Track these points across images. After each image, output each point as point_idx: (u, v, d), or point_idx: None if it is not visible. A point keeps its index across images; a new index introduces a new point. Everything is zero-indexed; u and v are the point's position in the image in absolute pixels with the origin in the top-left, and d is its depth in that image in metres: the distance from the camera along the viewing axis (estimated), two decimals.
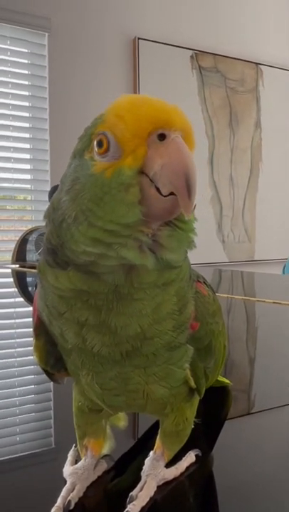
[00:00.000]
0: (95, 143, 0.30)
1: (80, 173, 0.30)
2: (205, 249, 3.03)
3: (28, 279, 1.76)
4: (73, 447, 0.42)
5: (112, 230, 0.28)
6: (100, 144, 0.29)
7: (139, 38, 2.85)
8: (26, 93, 2.64)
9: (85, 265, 0.30)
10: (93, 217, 0.29)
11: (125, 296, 0.30)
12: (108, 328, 0.31)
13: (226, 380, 0.56)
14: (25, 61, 2.62)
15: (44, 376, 0.40)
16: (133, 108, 0.29)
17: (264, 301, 1.22)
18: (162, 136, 0.28)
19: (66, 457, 0.41)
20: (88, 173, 0.30)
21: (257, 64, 3.33)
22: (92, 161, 0.30)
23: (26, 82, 2.64)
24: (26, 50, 2.61)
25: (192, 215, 0.30)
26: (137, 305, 0.31)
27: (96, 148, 0.30)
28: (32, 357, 0.38)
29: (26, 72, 2.63)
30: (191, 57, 3.06)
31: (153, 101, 0.30)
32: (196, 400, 0.40)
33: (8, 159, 2.61)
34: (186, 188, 0.28)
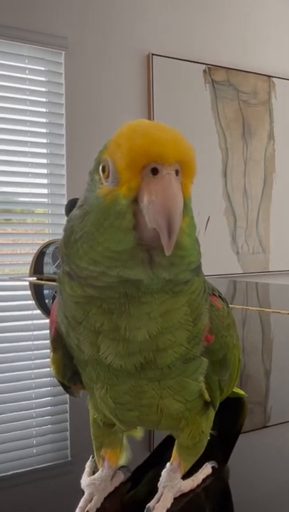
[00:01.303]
0: (100, 168, 0.31)
1: (90, 192, 0.33)
2: (219, 261, 3.02)
3: (45, 292, 1.79)
4: (90, 458, 0.42)
5: (110, 256, 0.30)
6: (103, 170, 0.31)
7: (153, 54, 2.90)
8: (44, 110, 2.71)
9: (88, 278, 0.31)
10: (94, 241, 0.31)
11: (134, 299, 0.31)
12: (120, 334, 0.32)
13: (241, 391, 0.56)
14: (43, 79, 2.69)
15: (60, 388, 0.41)
16: (130, 139, 0.29)
17: (279, 312, 1.21)
18: (155, 171, 0.29)
19: (82, 469, 0.41)
20: (95, 195, 0.32)
21: (269, 77, 3.35)
22: (99, 183, 0.32)
23: (43, 99, 2.70)
24: (44, 68, 2.69)
25: (189, 241, 0.32)
26: (145, 308, 0.31)
27: (100, 173, 0.31)
28: (49, 369, 0.39)
29: (44, 89, 2.70)
30: (204, 71, 3.10)
31: (152, 131, 0.30)
32: (212, 412, 0.40)
33: (26, 174, 2.67)
34: (167, 229, 0.28)
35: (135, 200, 0.29)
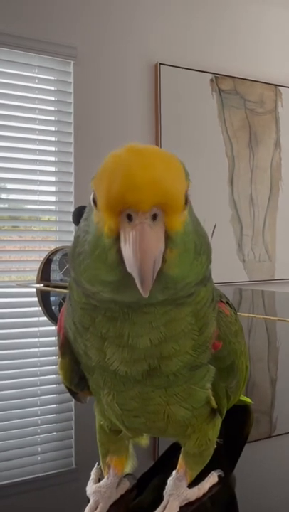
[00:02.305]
0: (91, 196, 0.31)
1: (89, 210, 0.32)
2: (225, 269, 3.01)
3: (52, 299, 1.79)
4: (96, 465, 0.42)
5: (101, 282, 0.30)
6: (93, 198, 0.30)
7: (160, 64, 2.93)
8: (52, 118, 2.74)
9: (87, 292, 0.32)
10: (88, 264, 0.30)
11: (136, 309, 0.31)
12: (124, 340, 0.32)
13: (248, 399, 0.56)
14: (52, 88, 2.73)
15: (66, 395, 0.41)
16: (109, 180, 0.28)
17: (285, 321, 1.20)
18: (131, 217, 0.28)
19: (87, 477, 0.41)
20: (91, 216, 0.31)
21: (276, 86, 3.36)
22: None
23: (52, 108, 2.74)
24: (53, 78, 2.72)
25: (180, 270, 0.30)
26: (147, 317, 0.32)
27: (91, 203, 0.31)
28: (55, 376, 0.39)
29: (52, 98, 2.73)
30: (211, 80, 3.12)
31: (132, 171, 0.28)
32: (219, 420, 0.40)
33: (34, 182, 2.69)
34: (139, 278, 0.28)
35: (117, 237, 0.29)
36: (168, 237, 0.29)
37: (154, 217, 0.28)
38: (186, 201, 0.31)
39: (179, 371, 0.34)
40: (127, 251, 0.28)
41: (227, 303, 0.39)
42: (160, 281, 0.29)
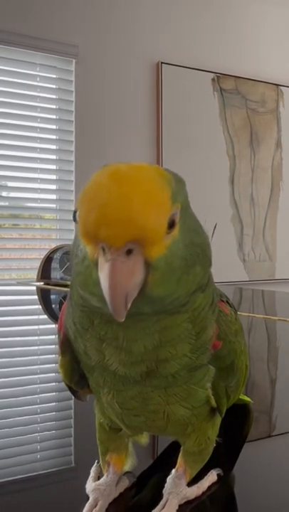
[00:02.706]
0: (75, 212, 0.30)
1: None
2: (226, 268, 3.01)
3: (52, 297, 1.79)
4: (96, 463, 0.42)
5: (89, 293, 0.30)
6: (75, 217, 0.30)
7: (162, 63, 2.92)
8: (54, 117, 2.74)
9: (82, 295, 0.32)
10: (79, 269, 0.30)
11: (128, 315, 0.31)
12: (119, 343, 0.32)
13: (247, 398, 0.56)
14: (53, 86, 2.73)
15: (66, 394, 0.41)
16: (86, 210, 0.28)
17: (285, 320, 1.20)
18: (104, 250, 0.28)
19: (87, 475, 0.41)
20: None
21: (277, 85, 3.36)
22: None
23: (54, 107, 2.74)
24: (54, 76, 2.72)
25: (164, 289, 0.30)
26: (140, 323, 0.32)
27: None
28: (54, 374, 0.39)
29: (54, 96, 2.73)
30: (213, 79, 3.12)
31: (111, 202, 0.27)
32: (218, 419, 0.40)
33: (34, 180, 2.69)
34: (110, 308, 0.28)
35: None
36: (149, 265, 0.28)
37: (129, 251, 0.27)
38: (173, 224, 0.29)
39: (178, 373, 0.34)
40: (101, 281, 0.28)
41: (227, 302, 0.39)
42: (143, 299, 0.29)
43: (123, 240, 0.27)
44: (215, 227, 2.97)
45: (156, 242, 0.28)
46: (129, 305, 0.28)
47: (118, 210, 0.27)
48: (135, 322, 0.31)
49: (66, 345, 0.37)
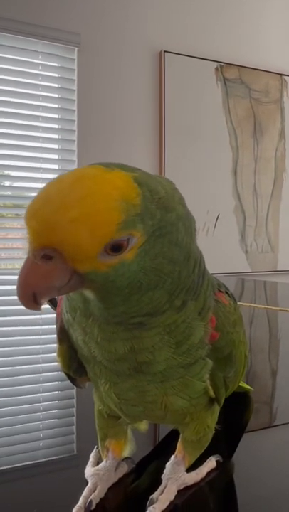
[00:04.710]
0: None
1: None
2: (228, 259, 3.00)
3: None
4: (95, 449, 0.43)
5: None
6: None
7: (165, 51, 2.89)
8: (56, 105, 2.72)
9: None
10: None
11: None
12: (95, 339, 0.33)
13: (248, 386, 0.56)
14: (56, 75, 2.70)
15: (68, 382, 0.42)
16: (32, 202, 0.29)
17: (287, 311, 1.21)
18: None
19: (87, 461, 0.41)
20: None
21: (281, 75, 3.32)
22: None
23: (56, 95, 2.71)
24: (57, 65, 2.69)
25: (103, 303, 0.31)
26: (109, 327, 0.32)
27: None
28: (57, 363, 0.40)
29: (56, 85, 2.71)
30: (216, 69, 3.08)
31: (38, 206, 0.28)
32: (217, 408, 0.40)
33: (37, 169, 2.68)
34: (19, 299, 0.29)
35: None
36: (81, 275, 0.28)
37: (48, 257, 0.27)
38: (120, 248, 0.28)
39: (167, 370, 0.33)
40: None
41: (226, 292, 0.39)
42: (90, 304, 0.31)
43: (41, 244, 0.27)
44: (217, 218, 2.96)
45: (81, 259, 0.27)
46: (42, 301, 0.29)
47: (47, 218, 0.27)
48: (105, 325, 0.32)
49: (63, 334, 0.37)
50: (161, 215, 0.30)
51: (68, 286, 0.29)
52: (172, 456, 0.40)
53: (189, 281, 0.33)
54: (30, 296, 0.28)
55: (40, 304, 0.29)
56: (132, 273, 0.29)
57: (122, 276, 0.29)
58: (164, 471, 0.39)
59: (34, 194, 0.30)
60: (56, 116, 2.73)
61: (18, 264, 2.75)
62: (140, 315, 0.31)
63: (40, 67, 2.64)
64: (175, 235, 0.31)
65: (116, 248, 0.28)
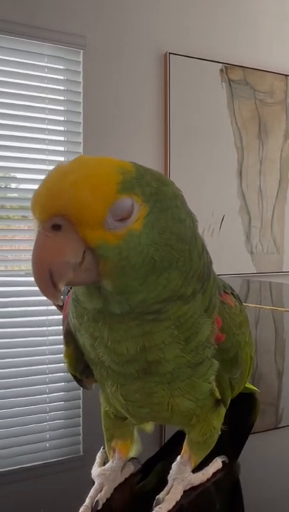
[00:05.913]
0: None
1: None
2: (233, 260, 2.99)
3: None
4: (101, 449, 0.43)
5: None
6: None
7: (170, 53, 2.89)
8: (61, 108, 2.73)
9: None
10: None
11: (108, 315, 0.32)
12: (105, 343, 0.33)
13: (254, 387, 0.56)
14: (61, 77, 2.72)
15: (74, 383, 0.42)
16: (37, 189, 0.30)
17: None
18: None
19: (94, 462, 0.42)
20: None
21: (286, 76, 3.31)
22: None
23: (61, 98, 2.73)
24: (62, 67, 2.71)
25: (126, 284, 0.30)
26: (121, 326, 0.32)
27: None
28: (63, 364, 0.40)
29: (62, 87, 2.72)
30: (221, 70, 3.08)
31: (47, 183, 0.29)
32: (223, 409, 0.40)
33: (43, 172, 2.69)
34: (36, 283, 0.29)
35: None
36: (93, 250, 0.28)
37: (57, 227, 0.28)
38: (128, 214, 0.29)
39: (176, 370, 0.34)
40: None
41: (232, 294, 0.39)
42: (102, 293, 0.30)
43: (47, 213, 0.28)
44: (223, 219, 2.96)
45: (88, 222, 0.28)
46: (60, 286, 0.28)
47: (49, 187, 0.28)
48: (118, 324, 0.32)
49: (70, 336, 0.38)
50: (157, 185, 0.31)
51: (84, 271, 0.29)
52: (178, 457, 0.40)
53: (200, 265, 0.33)
54: (47, 275, 0.28)
55: (59, 289, 0.28)
56: (144, 246, 0.30)
57: (134, 250, 0.29)
58: (170, 472, 0.39)
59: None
60: (62, 118, 2.75)
61: (25, 266, 2.76)
62: (159, 301, 0.31)
63: (46, 70, 2.65)
64: (177, 212, 0.32)
65: (122, 215, 0.29)
